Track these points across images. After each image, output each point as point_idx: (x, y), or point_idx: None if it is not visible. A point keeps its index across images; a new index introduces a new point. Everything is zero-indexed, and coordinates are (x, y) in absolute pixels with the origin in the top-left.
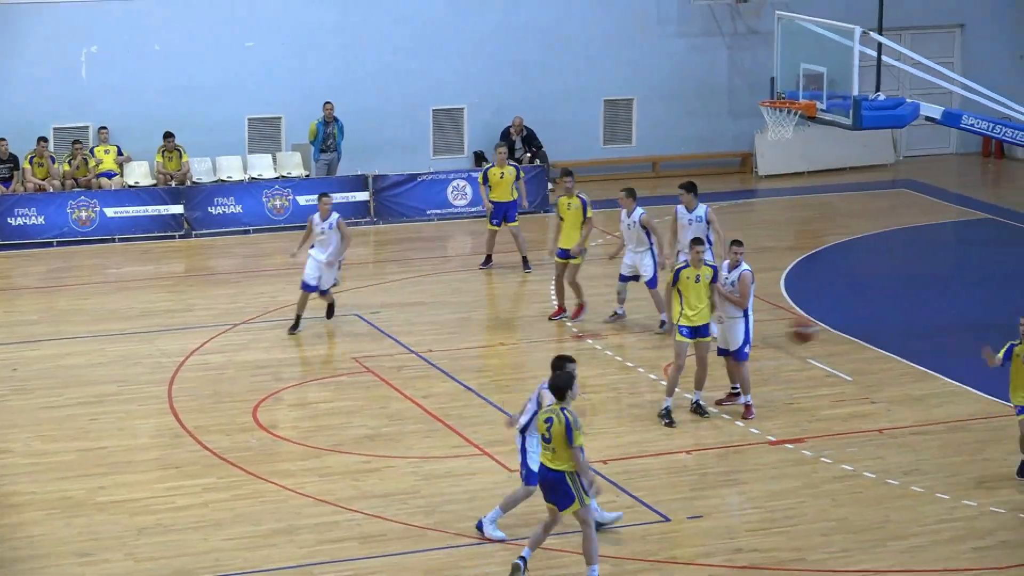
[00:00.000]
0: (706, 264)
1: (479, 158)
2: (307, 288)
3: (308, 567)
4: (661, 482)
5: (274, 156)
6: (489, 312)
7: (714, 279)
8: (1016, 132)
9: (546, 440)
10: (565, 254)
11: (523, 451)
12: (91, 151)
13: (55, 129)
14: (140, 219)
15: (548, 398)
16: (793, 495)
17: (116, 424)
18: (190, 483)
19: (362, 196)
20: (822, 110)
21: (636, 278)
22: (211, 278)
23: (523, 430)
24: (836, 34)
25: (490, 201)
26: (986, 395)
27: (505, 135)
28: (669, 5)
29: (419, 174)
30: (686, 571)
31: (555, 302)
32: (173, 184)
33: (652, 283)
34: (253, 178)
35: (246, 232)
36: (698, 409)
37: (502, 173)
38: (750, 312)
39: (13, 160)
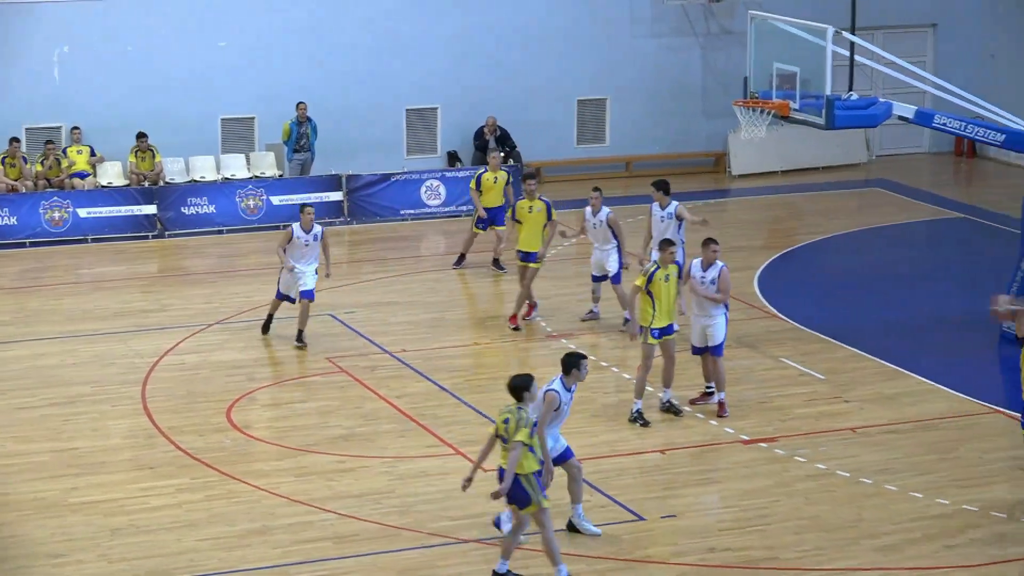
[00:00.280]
0: (675, 263)
1: (452, 158)
2: (282, 298)
3: (283, 567)
4: (635, 481)
5: (247, 156)
6: (463, 312)
7: (679, 276)
8: (988, 131)
9: (503, 440)
10: (528, 257)
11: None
12: (64, 151)
13: (27, 129)
14: (113, 219)
15: (557, 394)
16: (766, 494)
17: (90, 425)
18: (164, 484)
19: (336, 196)
20: (795, 110)
21: (605, 277)
22: (185, 278)
23: None
24: (809, 34)
25: (483, 208)
26: (958, 393)
27: (479, 135)
28: (642, 5)
29: (393, 174)
30: (660, 570)
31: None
32: (146, 184)
33: (616, 279)
34: (226, 178)
35: (219, 232)
36: (670, 408)
37: (495, 178)
38: (727, 309)
39: None
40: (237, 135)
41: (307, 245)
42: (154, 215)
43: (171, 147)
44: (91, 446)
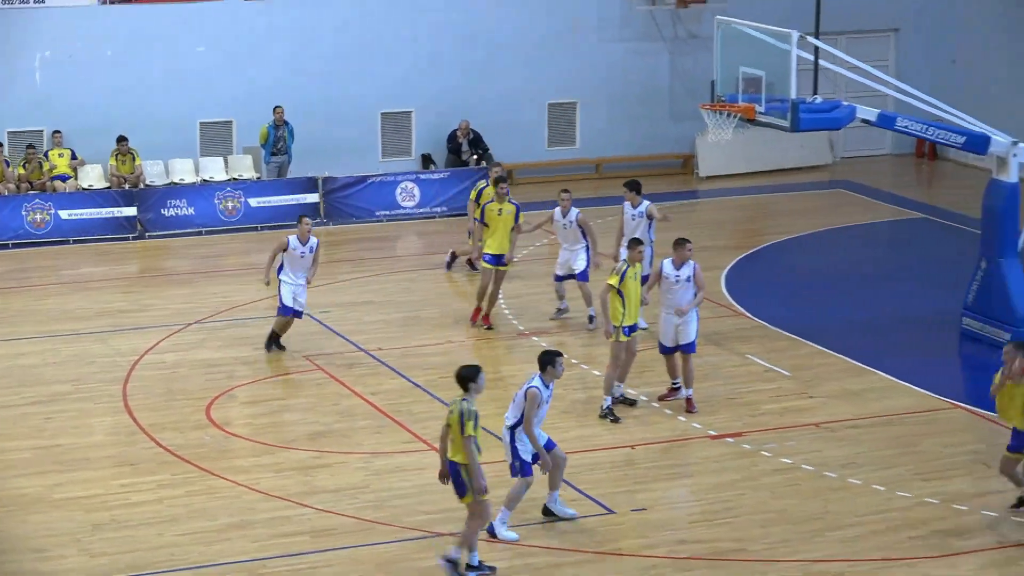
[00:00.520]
0: (640, 262)
1: (426, 160)
2: (289, 313)
3: (261, 561)
4: (606, 476)
5: (226, 159)
6: (437, 311)
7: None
8: (948, 134)
9: (450, 427)
10: (498, 260)
11: (512, 445)
12: (45, 155)
13: (9, 133)
14: (94, 221)
15: (527, 390)
16: (734, 488)
17: (71, 422)
18: (145, 480)
19: (312, 198)
20: (761, 113)
21: (572, 276)
22: (164, 279)
23: (513, 427)
24: (774, 38)
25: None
26: (920, 389)
27: (452, 138)
28: (611, 11)
29: (368, 176)
30: (630, 562)
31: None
32: (126, 187)
33: (583, 276)
34: (205, 181)
35: (198, 234)
36: (624, 400)
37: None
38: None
39: None
40: (215, 138)
41: (302, 257)
42: (134, 217)
43: (151, 150)
44: (73, 443)
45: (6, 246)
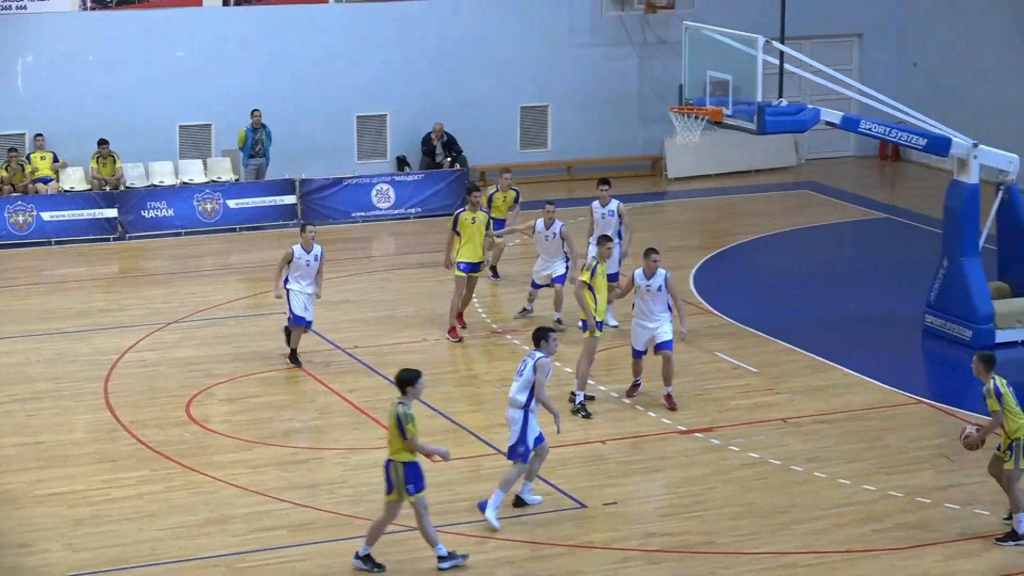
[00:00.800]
0: (609, 259)
1: (401, 163)
2: (301, 322)
3: (241, 555)
4: (578, 470)
5: (205, 162)
6: (412, 310)
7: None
8: (911, 136)
9: (388, 428)
10: (474, 268)
11: (523, 429)
12: (27, 157)
13: None
14: (76, 223)
15: (536, 363)
16: (703, 482)
17: (53, 420)
18: (126, 476)
19: (290, 199)
20: (728, 115)
21: (548, 286)
22: (145, 279)
23: (526, 406)
24: (740, 43)
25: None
26: (884, 385)
27: (426, 140)
28: (581, 16)
29: (344, 178)
30: (601, 555)
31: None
32: (107, 189)
33: (561, 280)
34: (184, 183)
35: (178, 235)
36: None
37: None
38: (670, 310)
39: None
40: (195, 141)
41: (308, 265)
42: (115, 218)
43: (131, 153)
44: (55, 440)
45: None
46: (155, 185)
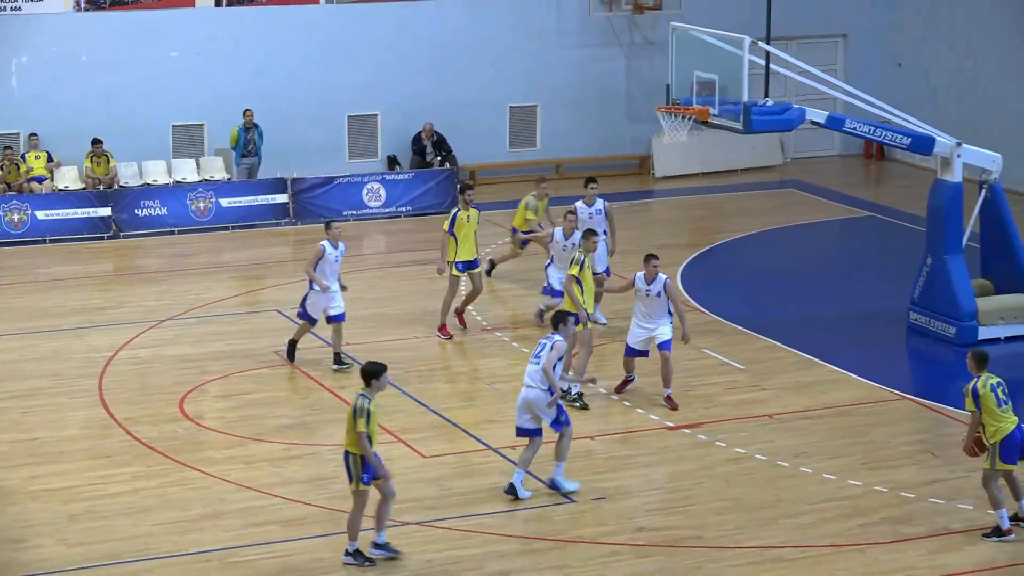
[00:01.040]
0: (594, 252)
1: (392, 162)
2: (309, 319)
3: (233, 550)
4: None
5: (197, 161)
6: (403, 307)
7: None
8: (895, 135)
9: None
10: (471, 265)
11: (558, 403)
12: (22, 157)
13: None
14: (70, 221)
15: (554, 344)
16: (690, 477)
17: (48, 416)
18: (120, 471)
19: (282, 198)
20: (714, 115)
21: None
22: (139, 277)
23: (551, 388)
24: (727, 44)
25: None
26: (869, 381)
27: (416, 140)
28: (570, 17)
29: (335, 177)
30: (590, 549)
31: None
32: (101, 188)
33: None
34: (177, 182)
35: (171, 233)
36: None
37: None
38: (671, 314)
39: None
40: (188, 141)
41: (337, 261)
42: (109, 217)
43: (125, 152)
44: (50, 436)
45: None
46: (148, 184)
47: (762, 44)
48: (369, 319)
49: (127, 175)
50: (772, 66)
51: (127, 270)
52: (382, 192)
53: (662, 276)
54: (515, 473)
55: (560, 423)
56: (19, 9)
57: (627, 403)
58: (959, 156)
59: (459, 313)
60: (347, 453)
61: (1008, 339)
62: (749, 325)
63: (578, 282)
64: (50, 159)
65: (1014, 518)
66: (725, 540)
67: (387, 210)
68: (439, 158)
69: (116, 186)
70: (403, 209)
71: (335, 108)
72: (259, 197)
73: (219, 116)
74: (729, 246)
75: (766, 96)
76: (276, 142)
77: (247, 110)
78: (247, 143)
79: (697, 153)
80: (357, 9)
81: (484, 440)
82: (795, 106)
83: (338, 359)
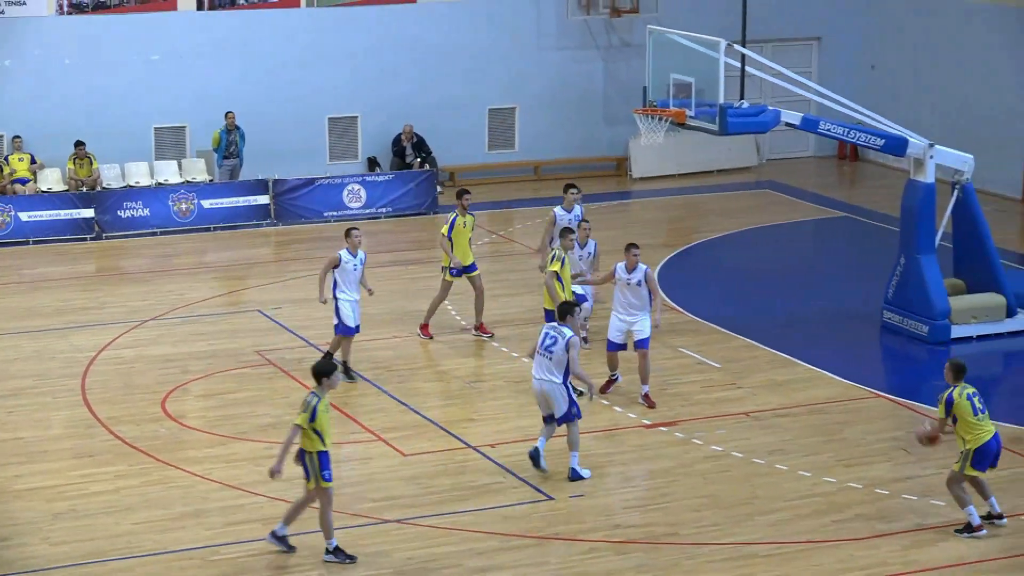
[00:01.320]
0: (572, 250)
1: (372, 163)
2: (351, 332)
3: (215, 548)
4: (546, 463)
5: (179, 163)
6: (383, 307)
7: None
8: (868, 136)
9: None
10: (468, 269)
11: (569, 395)
12: (6, 159)
13: None
14: (53, 223)
15: (568, 341)
16: (667, 475)
17: (31, 416)
18: (102, 470)
19: (263, 199)
20: (691, 117)
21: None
22: (121, 277)
23: (564, 382)
24: (703, 46)
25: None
26: (843, 379)
27: (396, 141)
28: (548, 20)
29: (316, 178)
30: (568, 546)
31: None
32: (84, 189)
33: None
34: (160, 183)
35: (154, 234)
36: None
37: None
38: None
39: None
40: (170, 143)
41: (355, 270)
42: (92, 218)
43: (108, 154)
44: (34, 436)
45: None
46: (131, 186)
47: (738, 47)
48: None
49: (110, 177)
50: (748, 68)
51: (110, 271)
52: (362, 193)
53: (643, 265)
54: (571, 457)
55: (571, 416)
56: (2, 12)
57: (605, 402)
58: (932, 157)
59: (479, 327)
60: (302, 452)
61: (980, 338)
62: (725, 324)
63: (558, 278)
64: (33, 161)
65: (987, 516)
66: (702, 537)
67: (367, 211)
68: (419, 160)
69: (99, 188)
70: (383, 210)
71: (316, 110)
72: (241, 198)
73: (201, 118)
74: (706, 246)
75: (742, 98)
76: (257, 144)
77: (229, 112)
78: (229, 145)
79: (674, 154)
80: (337, 12)
81: (463, 439)
82: (770, 108)
83: (347, 370)
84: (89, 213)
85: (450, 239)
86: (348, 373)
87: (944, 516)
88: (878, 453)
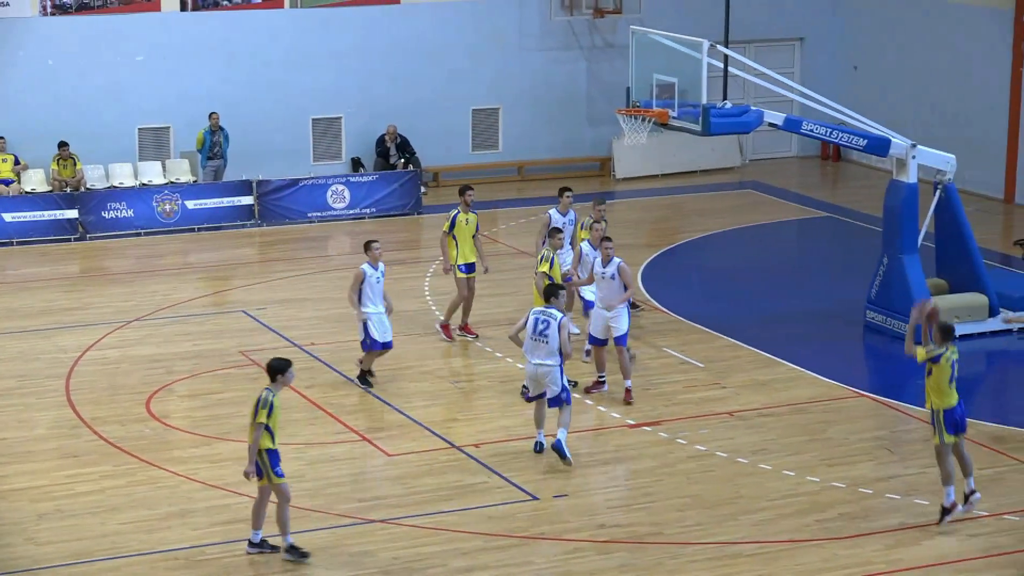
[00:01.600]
0: (561, 249)
1: (356, 164)
2: (381, 347)
3: (201, 548)
4: (530, 464)
5: (163, 163)
6: None
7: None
8: (851, 137)
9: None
10: (471, 268)
11: (561, 377)
12: None
13: None
14: (37, 223)
15: (560, 322)
16: (651, 474)
17: (16, 416)
18: (88, 471)
19: (247, 200)
20: (674, 117)
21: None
22: (106, 278)
23: (560, 364)
24: (686, 47)
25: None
26: (825, 379)
27: (380, 142)
28: (531, 21)
29: (300, 179)
30: (553, 546)
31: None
32: (68, 190)
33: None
34: (144, 184)
35: (138, 235)
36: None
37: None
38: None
39: None
40: (154, 143)
41: (377, 282)
42: (76, 219)
43: (91, 155)
44: (18, 436)
45: None
46: (115, 186)
47: (720, 47)
48: (334, 319)
49: (93, 177)
50: (731, 69)
51: (94, 271)
52: (346, 194)
53: (617, 259)
54: (559, 431)
55: (560, 400)
56: None
57: (589, 401)
58: (914, 157)
59: (464, 327)
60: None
61: (962, 337)
62: (709, 324)
63: (549, 278)
64: (17, 162)
65: (968, 494)
66: (685, 536)
67: (351, 212)
68: (403, 160)
69: (83, 188)
70: (367, 210)
71: (300, 111)
72: (225, 199)
73: (185, 119)
74: (689, 246)
75: (725, 99)
76: (241, 144)
77: (213, 113)
78: (213, 146)
79: (657, 155)
80: (321, 13)
81: (448, 439)
82: (753, 108)
83: (364, 377)
84: (73, 214)
85: (452, 237)
86: (366, 380)
87: (927, 515)
88: (861, 452)
